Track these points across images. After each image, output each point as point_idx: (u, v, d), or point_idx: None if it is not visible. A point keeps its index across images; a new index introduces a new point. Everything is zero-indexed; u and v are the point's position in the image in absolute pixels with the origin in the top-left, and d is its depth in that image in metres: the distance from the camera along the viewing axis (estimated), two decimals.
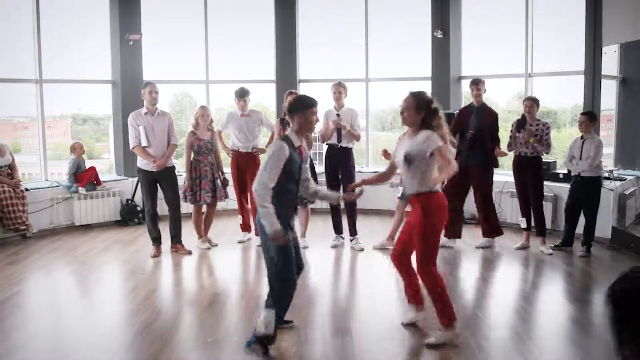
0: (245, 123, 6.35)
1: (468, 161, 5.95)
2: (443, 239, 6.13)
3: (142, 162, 5.85)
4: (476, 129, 5.95)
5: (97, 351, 3.61)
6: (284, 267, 3.48)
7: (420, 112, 3.65)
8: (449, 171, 3.59)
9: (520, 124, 5.97)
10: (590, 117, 5.76)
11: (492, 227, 6.16)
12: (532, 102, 5.96)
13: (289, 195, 3.53)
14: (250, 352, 3.51)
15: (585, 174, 5.77)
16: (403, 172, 3.75)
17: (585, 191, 5.80)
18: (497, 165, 6.14)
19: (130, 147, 5.90)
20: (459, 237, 6.24)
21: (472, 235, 6.49)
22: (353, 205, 6.21)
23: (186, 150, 6.13)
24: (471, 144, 5.96)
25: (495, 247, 6.17)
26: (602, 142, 5.77)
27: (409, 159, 3.64)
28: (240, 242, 6.47)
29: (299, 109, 3.58)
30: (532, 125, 5.92)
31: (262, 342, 3.49)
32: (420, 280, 3.84)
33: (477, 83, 6.02)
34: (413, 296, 3.97)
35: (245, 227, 6.52)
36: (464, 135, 6.03)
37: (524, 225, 6.15)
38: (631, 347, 1.21)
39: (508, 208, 7.15)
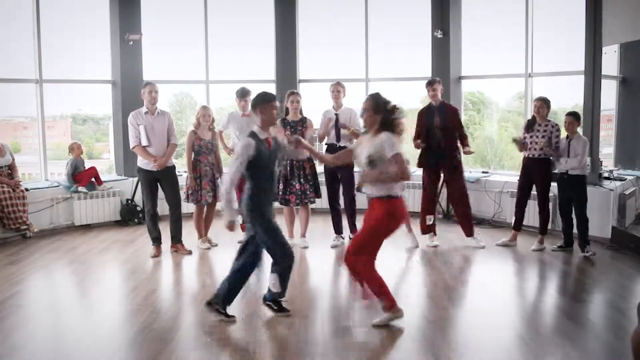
0: (246, 123, 6.32)
1: (439, 160, 6.11)
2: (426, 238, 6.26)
3: (142, 162, 5.85)
4: (442, 127, 6.04)
5: (97, 351, 3.61)
6: (274, 244, 3.99)
7: (377, 113, 3.84)
8: (393, 178, 3.73)
9: (529, 125, 6.02)
10: (576, 118, 5.86)
11: (471, 224, 6.29)
12: (541, 103, 5.97)
13: (266, 182, 3.98)
14: (265, 307, 4.18)
15: (573, 172, 5.80)
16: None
17: (574, 189, 5.82)
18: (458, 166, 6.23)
19: (131, 146, 5.90)
20: (435, 232, 6.32)
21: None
22: (353, 204, 6.22)
23: (187, 150, 6.13)
24: (439, 143, 6.05)
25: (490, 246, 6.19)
26: (587, 141, 5.86)
27: (371, 161, 3.77)
28: (240, 242, 6.45)
29: (261, 104, 3.98)
30: (541, 126, 5.94)
31: (274, 300, 4.14)
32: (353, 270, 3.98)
33: (432, 84, 6.14)
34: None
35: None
36: (430, 135, 6.08)
37: (513, 224, 6.27)
38: None
39: (508, 208, 7.13)
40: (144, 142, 5.77)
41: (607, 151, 7.04)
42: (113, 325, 4.10)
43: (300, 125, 6.06)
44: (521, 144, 5.97)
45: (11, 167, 6.67)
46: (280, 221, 6.67)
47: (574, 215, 5.93)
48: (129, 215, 7.56)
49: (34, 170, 7.74)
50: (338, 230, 6.35)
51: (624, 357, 3.25)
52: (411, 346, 3.71)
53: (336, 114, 6.14)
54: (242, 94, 6.29)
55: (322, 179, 6.36)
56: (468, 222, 6.27)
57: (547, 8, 7.43)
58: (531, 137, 5.97)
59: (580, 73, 6.71)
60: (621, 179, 6.55)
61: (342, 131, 6.11)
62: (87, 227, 7.30)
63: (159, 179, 5.91)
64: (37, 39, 7.33)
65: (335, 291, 4.98)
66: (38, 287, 5.15)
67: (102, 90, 8.11)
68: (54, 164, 7.93)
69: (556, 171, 6.13)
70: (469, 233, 6.25)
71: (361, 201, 6.48)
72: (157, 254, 5.91)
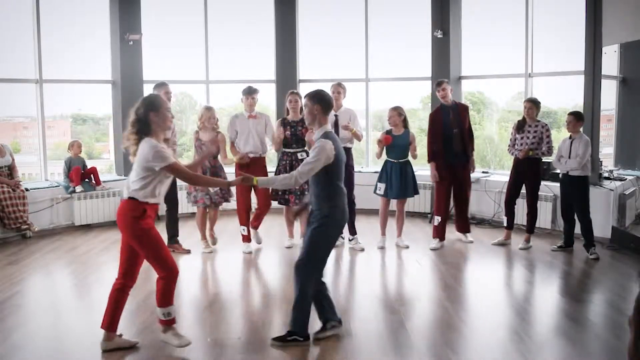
0: (253, 125, 6.08)
1: (456, 161, 6.12)
2: (434, 242, 6.19)
3: None
4: (459, 127, 6.04)
5: (97, 351, 3.60)
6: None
7: None
8: None
9: (520, 126, 6.05)
10: (577, 117, 5.82)
11: (467, 221, 6.47)
12: (532, 104, 6.01)
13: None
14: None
15: (574, 173, 5.79)
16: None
17: (575, 190, 5.81)
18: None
19: None
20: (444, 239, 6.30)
21: (472, 234, 6.49)
22: (352, 205, 6.20)
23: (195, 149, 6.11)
24: (458, 143, 6.06)
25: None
26: (589, 142, 5.82)
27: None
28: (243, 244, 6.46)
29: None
30: (531, 127, 5.96)
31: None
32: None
33: (440, 84, 6.13)
34: None
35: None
36: (449, 136, 6.08)
37: (505, 223, 6.31)
38: None
39: None
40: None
41: (607, 151, 7.04)
42: None
43: (300, 125, 6.03)
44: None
45: (11, 167, 6.67)
46: (280, 221, 6.70)
47: (575, 216, 5.93)
48: None
49: (34, 170, 7.75)
50: None
51: (623, 356, 3.25)
52: (411, 346, 3.71)
53: (335, 115, 6.09)
54: (250, 91, 6.06)
55: None
56: (467, 219, 6.48)
57: (547, 8, 7.43)
58: (522, 138, 6.01)
59: (580, 73, 6.71)
60: (621, 179, 6.55)
61: (342, 133, 6.05)
62: (87, 227, 7.30)
63: None
64: (37, 39, 7.33)
65: (335, 291, 4.97)
66: (38, 287, 5.16)
67: (102, 90, 8.11)
68: (54, 164, 7.93)
69: (557, 171, 6.14)
70: (465, 229, 6.42)
71: (361, 201, 6.51)
72: None
